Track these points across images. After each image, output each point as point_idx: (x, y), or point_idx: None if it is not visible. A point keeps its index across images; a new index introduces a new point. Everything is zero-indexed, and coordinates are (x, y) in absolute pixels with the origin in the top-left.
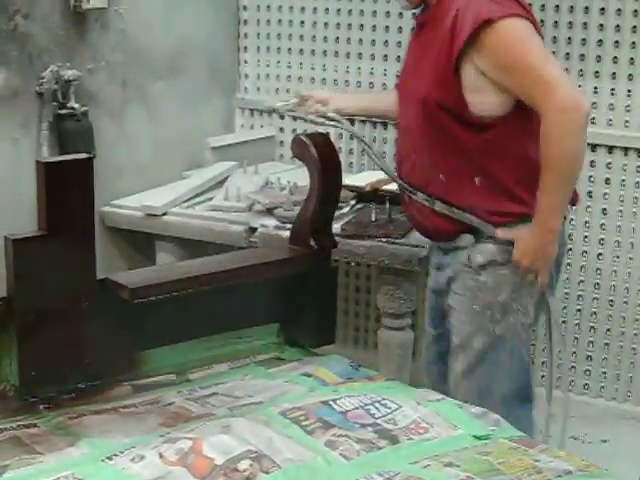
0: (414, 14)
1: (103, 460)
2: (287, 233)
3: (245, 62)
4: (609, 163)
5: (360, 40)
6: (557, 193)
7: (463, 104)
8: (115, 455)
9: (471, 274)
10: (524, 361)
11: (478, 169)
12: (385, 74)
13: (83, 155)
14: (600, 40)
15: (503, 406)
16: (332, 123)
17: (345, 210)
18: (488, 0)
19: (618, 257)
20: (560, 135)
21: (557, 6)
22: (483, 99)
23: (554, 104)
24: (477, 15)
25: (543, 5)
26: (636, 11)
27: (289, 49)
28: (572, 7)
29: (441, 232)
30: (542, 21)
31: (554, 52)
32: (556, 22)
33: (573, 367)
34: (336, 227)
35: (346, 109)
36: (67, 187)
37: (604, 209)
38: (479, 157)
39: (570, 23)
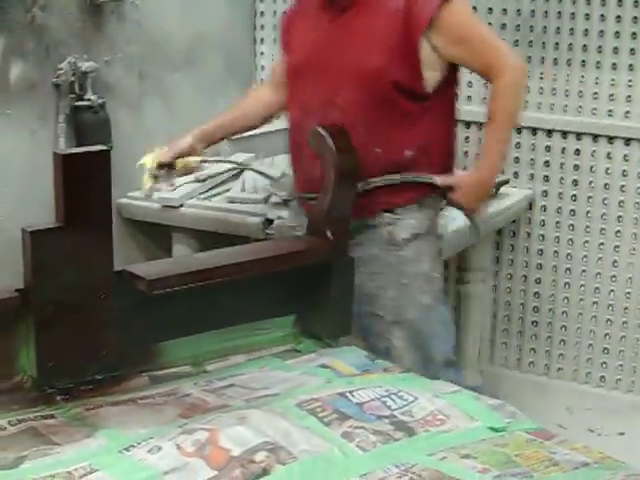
0: None
1: (120, 451)
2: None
3: (261, 54)
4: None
5: None
6: (508, 140)
7: (419, 81)
8: (132, 446)
9: (392, 250)
10: (452, 325)
11: (415, 141)
12: None
13: (100, 147)
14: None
15: (446, 371)
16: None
17: None
18: None
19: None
20: (516, 91)
21: None
22: (431, 75)
23: (510, 65)
24: None
25: None
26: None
27: None
28: None
29: (363, 210)
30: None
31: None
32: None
33: (589, 359)
34: None
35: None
36: (84, 179)
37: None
38: (417, 128)
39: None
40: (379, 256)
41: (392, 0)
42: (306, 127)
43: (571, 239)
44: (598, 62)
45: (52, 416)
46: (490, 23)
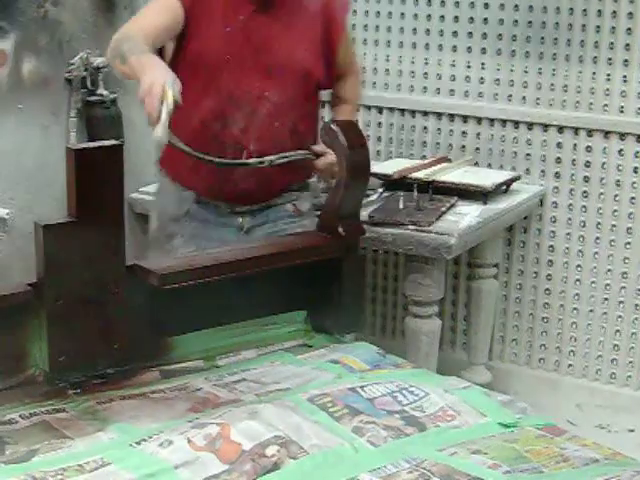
0: None
1: (132, 445)
2: (315, 220)
3: None
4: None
5: (389, 27)
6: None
7: (331, 80)
8: (144, 440)
9: (297, 222)
10: None
11: (315, 129)
12: (413, 62)
13: (113, 142)
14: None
15: None
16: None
17: (373, 198)
18: None
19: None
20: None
21: None
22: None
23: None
24: (345, 1)
25: None
26: None
27: None
28: None
29: (275, 188)
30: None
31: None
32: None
33: (600, 356)
34: (364, 215)
35: None
36: (97, 174)
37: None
38: (316, 118)
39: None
40: (287, 229)
41: (310, 3)
42: (230, 118)
43: (582, 236)
44: (610, 59)
45: (64, 410)
46: (502, 19)
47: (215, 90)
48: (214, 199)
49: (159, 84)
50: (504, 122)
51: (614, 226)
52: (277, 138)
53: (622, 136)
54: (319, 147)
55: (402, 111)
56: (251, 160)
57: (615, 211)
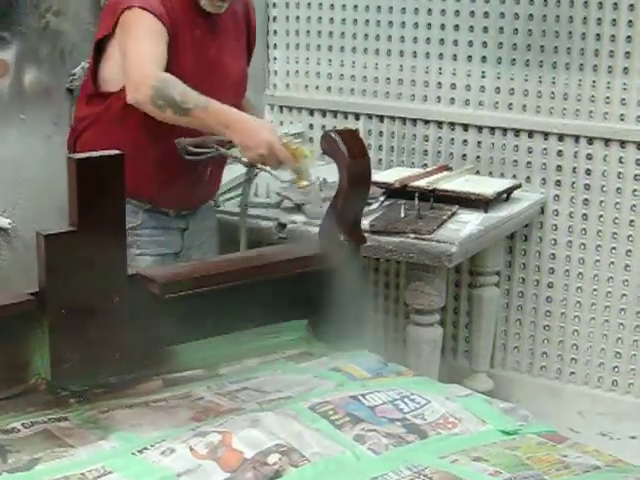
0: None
1: (134, 453)
2: (316, 229)
3: (274, 59)
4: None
5: (389, 37)
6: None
7: None
8: (145, 448)
9: (214, 212)
10: None
11: None
12: (414, 71)
13: (114, 152)
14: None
15: None
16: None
17: (374, 206)
18: None
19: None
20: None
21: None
22: None
23: None
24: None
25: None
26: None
27: (318, 46)
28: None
29: (217, 187)
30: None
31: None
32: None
33: (602, 363)
34: (365, 223)
35: None
36: (98, 183)
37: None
38: None
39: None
40: (212, 219)
41: (238, 13)
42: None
43: (583, 243)
44: (610, 67)
45: (66, 419)
46: (502, 28)
47: None
48: (167, 207)
49: (277, 145)
50: (505, 130)
51: (615, 234)
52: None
53: (622, 144)
54: None
55: (403, 120)
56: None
57: (616, 219)
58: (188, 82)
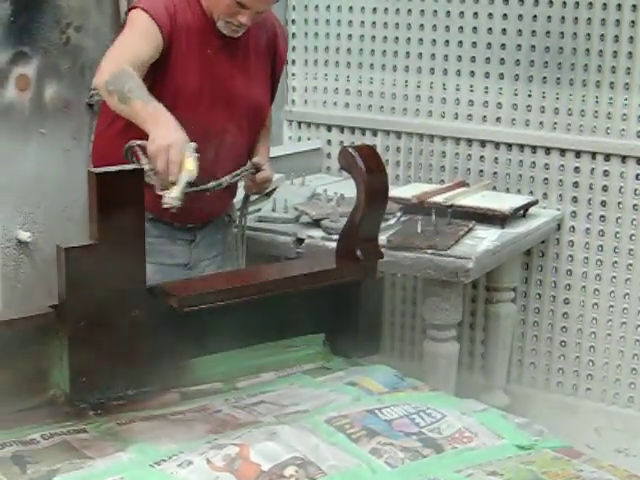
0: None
1: (151, 465)
2: (334, 244)
3: (293, 75)
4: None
5: (407, 53)
6: None
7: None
8: (163, 460)
9: (230, 228)
10: None
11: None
12: (432, 87)
13: (133, 165)
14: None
15: None
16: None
17: (391, 222)
18: None
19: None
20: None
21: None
22: None
23: None
24: (286, 35)
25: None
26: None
27: (337, 62)
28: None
29: (226, 204)
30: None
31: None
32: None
33: (618, 380)
34: (382, 239)
35: None
36: (118, 197)
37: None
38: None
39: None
40: (227, 235)
41: (261, 39)
42: (205, 152)
43: (600, 260)
44: (626, 83)
45: (84, 430)
46: (519, 45)
47: (192, 123)
48: (169, 218)
49: (178, 148)
50: (522, 147)
51: (631, 250)
52: (237, 166)
53: (639, 161)
54: (257, 159)
55: (420, 136)
56: (209, 185)
57: (632, 235)
58: (187, 95)
